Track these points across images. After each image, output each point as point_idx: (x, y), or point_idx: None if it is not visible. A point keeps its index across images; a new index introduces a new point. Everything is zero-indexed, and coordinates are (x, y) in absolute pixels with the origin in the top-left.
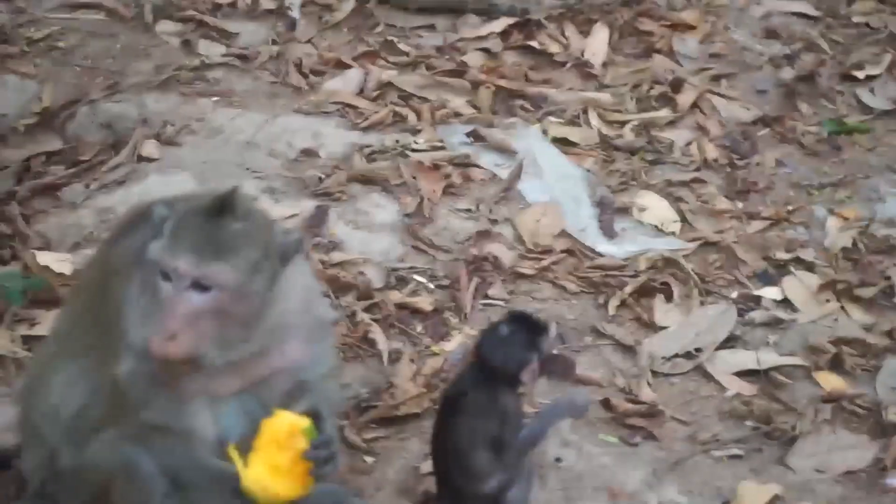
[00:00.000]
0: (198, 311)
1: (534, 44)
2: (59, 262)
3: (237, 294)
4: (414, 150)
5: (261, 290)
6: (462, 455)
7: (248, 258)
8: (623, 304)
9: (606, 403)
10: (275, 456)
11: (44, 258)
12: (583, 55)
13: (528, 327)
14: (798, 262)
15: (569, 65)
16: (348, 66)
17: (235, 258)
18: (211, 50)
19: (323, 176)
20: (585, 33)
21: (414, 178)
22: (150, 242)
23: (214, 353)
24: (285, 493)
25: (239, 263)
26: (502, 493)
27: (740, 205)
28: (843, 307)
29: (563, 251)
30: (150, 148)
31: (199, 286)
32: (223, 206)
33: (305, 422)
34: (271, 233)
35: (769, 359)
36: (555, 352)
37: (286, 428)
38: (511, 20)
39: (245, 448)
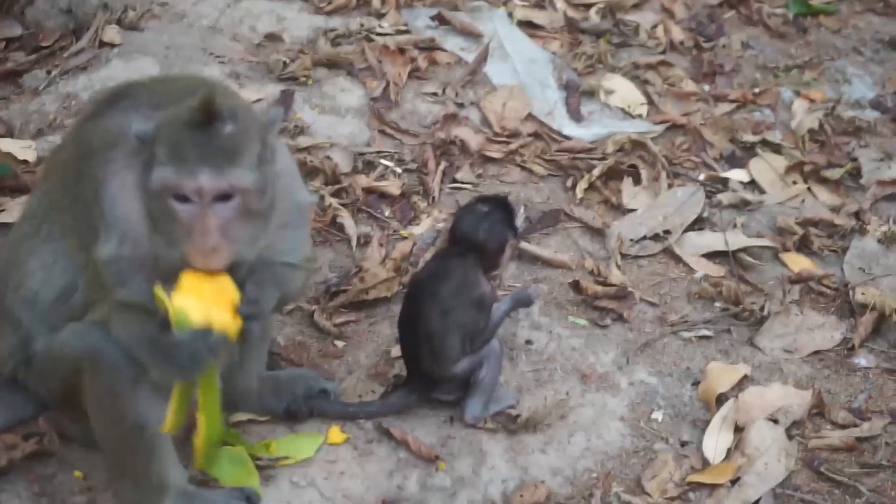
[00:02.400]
0: (227, 220)
1: None
2: (22, 148)
3: (257, 190)
4: (379, 34)
5: (271, 177)
6: (435, 339)
7: (253, 153)
8: (591, 186)
9: (576, 286)
10: (199, 284)
11: (7, 145)
12: None
13: (502, 206)
14: (765, 143)
15: None
16: None
17: (245, 159)
18: None
19: (287, 60)
20: None
21: (379, 61)
22: (139, 166)
23: (249, 251)
24: (215, 318)
25: (249, 162)
26: (472, 375)
27: (707, 87)
28: (809, 188)
29: (530, 134)
30: (111, 33)
31: (222, 197)
32: (210, 112)
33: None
34: (254, 116)
35: (737, 240)
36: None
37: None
38: None
39: None
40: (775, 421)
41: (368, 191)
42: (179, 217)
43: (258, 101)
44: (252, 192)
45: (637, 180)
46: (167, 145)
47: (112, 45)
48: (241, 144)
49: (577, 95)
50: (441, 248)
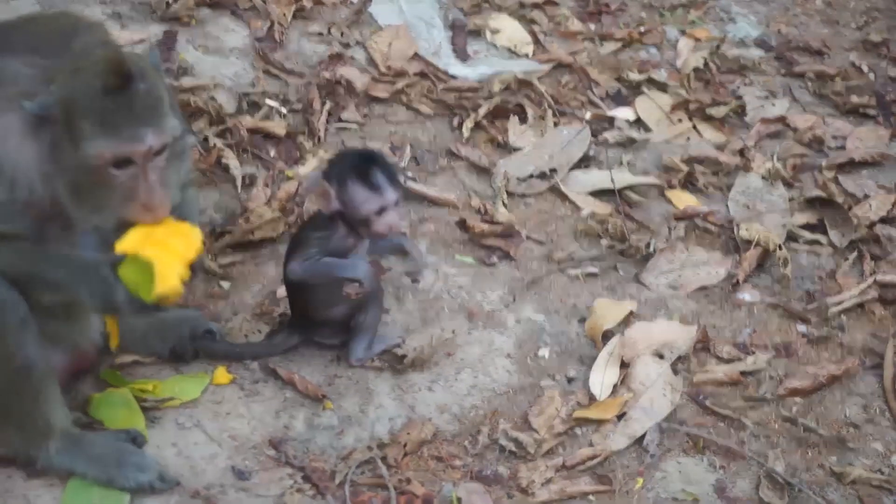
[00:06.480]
0: (162, 170)
1: None
2: None
3: (182, 133)
4: None
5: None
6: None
7: (168, 99)
8: (477, 125)
9: (462, 224)
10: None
11: None
12: None
13: (356, 159)
14: (650, 82)
15: None
16: None
17: (167, 107)
18: None
19: (170, 0)
20: None
21: (264, 1)
22: (33, 130)
23: (176, 194)
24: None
25: (171, 108)
26: (352, 319)
27: (593, 26)
28: (695, 126)
29: (416, 74)
30: None
31: (159, 151)
32: (124, 74)
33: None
34: (148, 62)
35: (623, 178)
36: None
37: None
38: None
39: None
40: (661, 356)
41: (253, 131)
42: (118, 182)
43: (141, 41)
44: (179, 136)
45: (523, 119)
46: (94, 117)
47: None
48: (160, 94)
49: (463, 35)
50: None
